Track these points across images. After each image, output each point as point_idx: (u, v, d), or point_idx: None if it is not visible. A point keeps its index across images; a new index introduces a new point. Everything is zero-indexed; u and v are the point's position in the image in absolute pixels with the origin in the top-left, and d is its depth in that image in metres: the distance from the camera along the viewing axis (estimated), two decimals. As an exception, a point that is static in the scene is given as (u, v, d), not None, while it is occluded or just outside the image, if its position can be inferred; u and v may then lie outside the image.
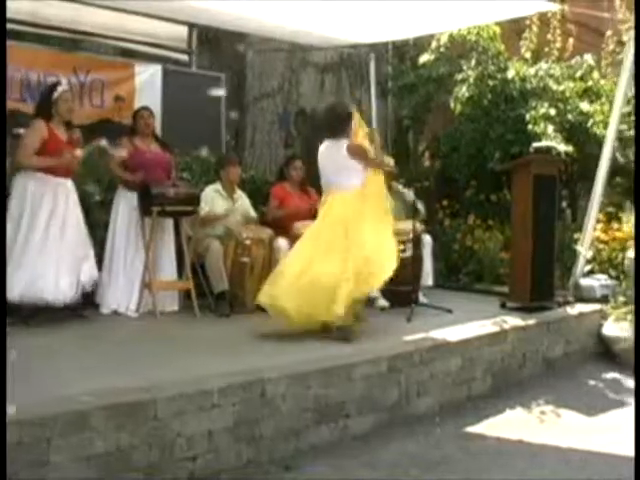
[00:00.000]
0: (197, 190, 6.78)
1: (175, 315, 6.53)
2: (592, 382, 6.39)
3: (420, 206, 7.17)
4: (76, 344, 5.26)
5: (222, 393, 4.25)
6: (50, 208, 5.85)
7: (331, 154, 5.78)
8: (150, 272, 6.34)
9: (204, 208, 6.79)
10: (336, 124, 5.82)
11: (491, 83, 8.98)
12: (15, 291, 5.55)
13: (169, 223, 6.64)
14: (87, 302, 6.14)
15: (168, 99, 7.88)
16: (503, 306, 6.91)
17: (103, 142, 6.26)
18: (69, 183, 6.04)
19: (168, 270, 6.66)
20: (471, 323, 6.18)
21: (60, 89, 6.05)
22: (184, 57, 8.61)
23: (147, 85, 7.83)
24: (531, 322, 6.47)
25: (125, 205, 6.51)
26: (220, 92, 8.87)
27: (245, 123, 10.29)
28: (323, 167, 5.91)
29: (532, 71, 9.02)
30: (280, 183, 7.42)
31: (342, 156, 5.70)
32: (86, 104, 7.44)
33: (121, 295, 6.41)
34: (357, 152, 5.72)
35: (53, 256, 5.81)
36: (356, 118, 5.86)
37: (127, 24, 7.68)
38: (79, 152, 5.99)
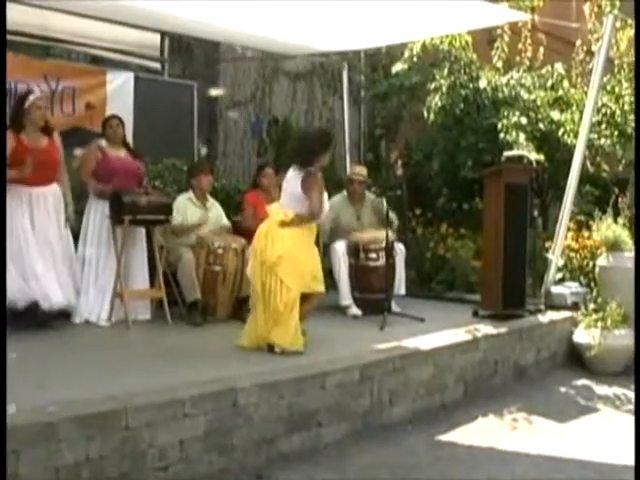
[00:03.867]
0: (169, 199, 6.77)
1: (147, 324, 6.50)
2: (563, 389, 6.43)
3: (393, 217, 7.17)
4: (47, 354, 5.22)
5: (194, 402, 4.23)
6: (28, 220, 5.83)
7: (290, 182, 5.63)
8: (122, 281, 6.30)
9: (176, 217, 6.77)
10: (303, 154, 5.63)
11: (463, 92, 9.03)
12: None
13: (141, 232, 6.62)
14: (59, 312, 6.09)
15: (140, 107, 7.84)
16: (475, 314, 6.94)
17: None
18: (47, 190, 6.01)
19: (140, 279, 6.63)
20: (443, 331, 6.19)
21: (32, 97, 6.05)
22: (156, 65, 8.58)
23: (119, 93, 7.78)
24: (503, 330, 6.50)
25: (96, 213, 6.47)
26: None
27: (217, 131, 10.28)
28: (282, 190, 5.76)
29: (504, 80, 9.09)
30: (253, 191, 7.42)
31: (297, 187, 5.54)
32: (57, 111, 7.38)
33: (93, 304, 6.38)
34: (310, 187, 5.51)
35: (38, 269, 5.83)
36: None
37: (99, 31, 7.62)
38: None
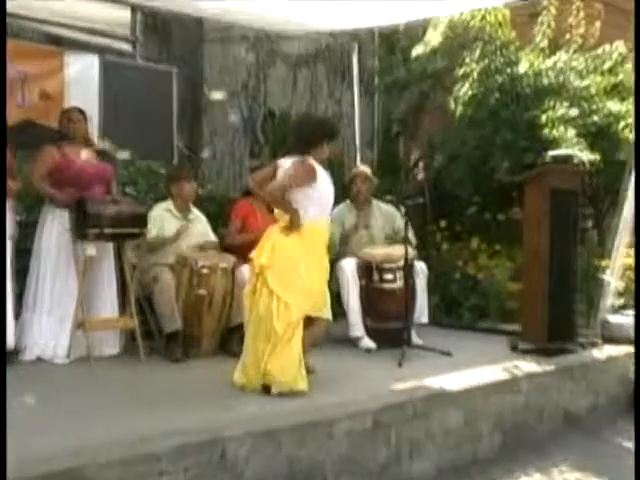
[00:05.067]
0: (143, 208, 6.75)
1: (115, 360, 6.49)
2: (626, 443, 6.35)
3: (410, 235, 7.14)
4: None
5: (172, 456, 4.20)
6: None
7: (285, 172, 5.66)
8: (84, 308, 6.29)
9: (152, 230, 6.77)
10: (299, 143, 5.69)
11: (499, 79, 9.05)
12: None
13: (109, 248, 6.62)
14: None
15: (108, 97, 7.88)
16: (514, 348, 6.93)
17: None
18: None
19: (107, 306, 6.62)
20: (475, 368, 6.18)
21: None
22: (127, 47, 8.61)
23: (81, 79, 7.82)
24: (549, 368, 6.49)
25: (53, 226, 6.45)
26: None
27: (202, 128, 10.28)
28: None
29: (549, 63, 9.11)
30: (245, 199, 7.42)
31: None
32: (0, 101, 7.41)
33: (47, 338, 6.36)
34: (295, 172, 5.55)
35: None
36: None
37: (56, 5, 7.63)
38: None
